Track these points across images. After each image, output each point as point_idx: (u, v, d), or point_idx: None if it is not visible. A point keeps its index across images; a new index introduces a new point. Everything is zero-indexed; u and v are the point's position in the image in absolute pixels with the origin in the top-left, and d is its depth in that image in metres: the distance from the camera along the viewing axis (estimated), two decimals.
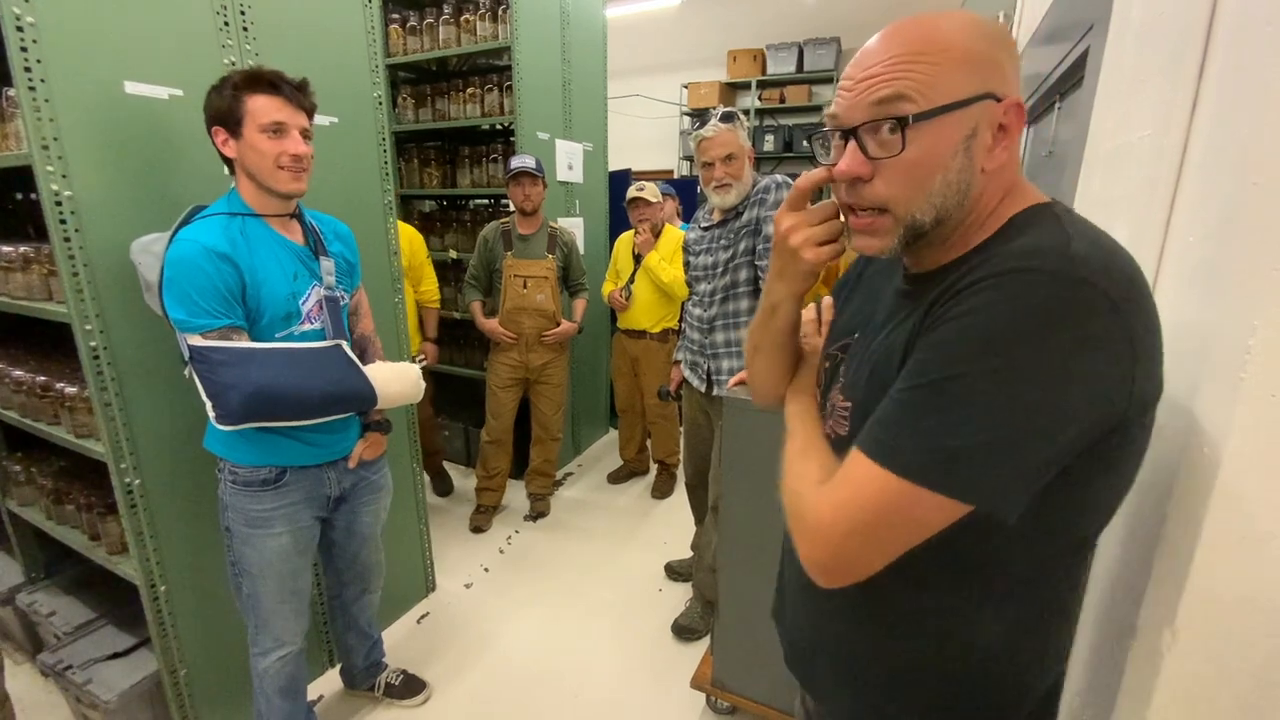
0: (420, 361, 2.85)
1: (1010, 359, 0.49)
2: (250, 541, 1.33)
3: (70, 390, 1.47)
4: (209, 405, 1.20)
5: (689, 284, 2.04)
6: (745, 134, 1.78)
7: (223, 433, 1.26)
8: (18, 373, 1.61)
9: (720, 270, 1.83)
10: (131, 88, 1.29)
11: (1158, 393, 0.55)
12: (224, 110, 1.19)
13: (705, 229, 1.92)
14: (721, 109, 1.77)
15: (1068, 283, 0.49)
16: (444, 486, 3.09)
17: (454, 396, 3.44)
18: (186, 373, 1.22)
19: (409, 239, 2.79)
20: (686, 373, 2.03)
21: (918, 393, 0.54)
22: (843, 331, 0.76)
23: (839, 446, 0.66)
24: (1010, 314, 0.50)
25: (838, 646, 0.74)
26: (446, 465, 3.20)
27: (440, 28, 2.91)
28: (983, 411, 0.50)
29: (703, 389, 1.93)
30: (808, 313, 0.87)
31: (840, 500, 0.57)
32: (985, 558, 0.60)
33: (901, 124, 0.55)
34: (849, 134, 0.60)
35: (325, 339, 1.33)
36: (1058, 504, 0.56)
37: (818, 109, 5.59)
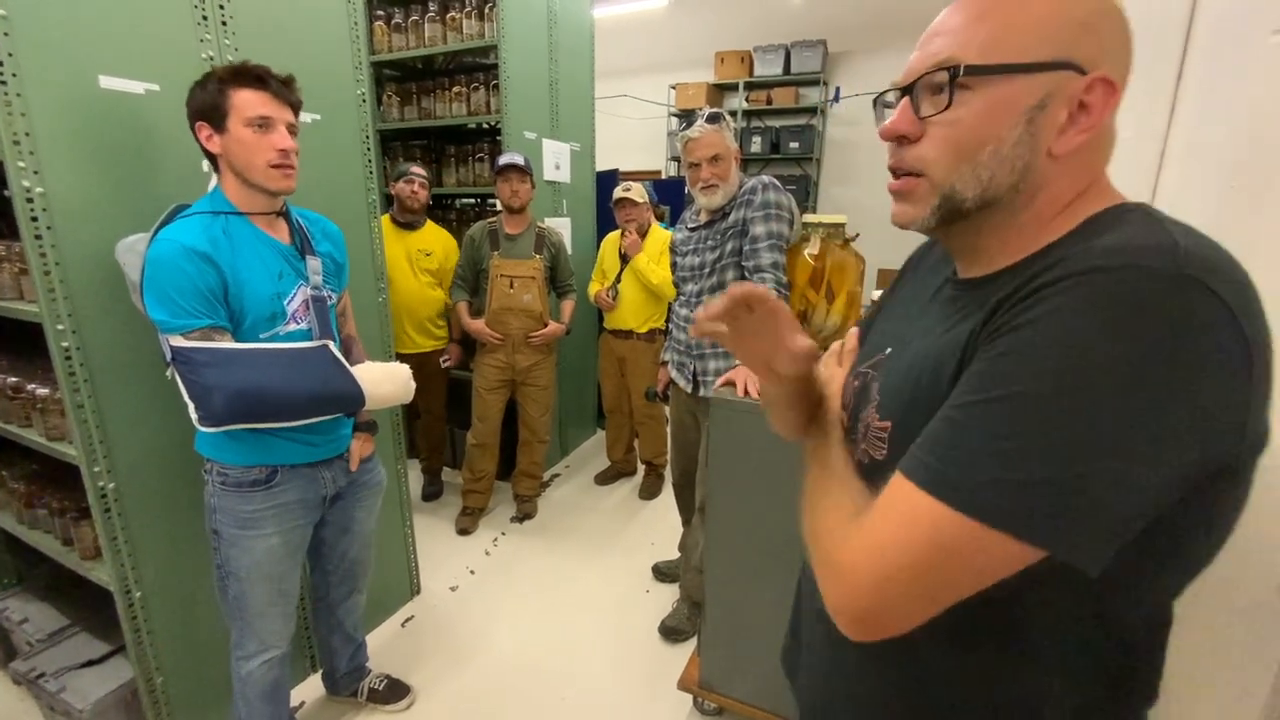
0: (445, 362, 2.84)
1: (1102, 374, 0.40)
2: (239, 543, 1.31)
3: (42, 392, 1.44)
4: (191, 407, 1.18)
5: (676, 284, 2.04)
6: (732, 135, 1.78)
7: (211, 434, 1.24)
8: None
9: (707, 271, 1.83)
10: (106, 82, 1.26)
11: (1268, 430, 0.45)
12: (208, 104, 1.16)
13: (692, 230, 1.92)
14: (708, 110, 1.77)
15: (1176, 283, 0.40)
16: (434, 489, 3.06)
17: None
18: (169, 374, 1.20)
19: (444, 243, 2.81)
20: (673, 373, 2.03)
21: (980, 410, 0.44)
22: (875, 348, 0.68)
23: (874, 473, 0.57)
24: (1102, 319, 0.41)
25: (860, 710, 0.64)
26: None
27: (426, 25, 2.88)
28: (1065, 437, 0.41)
29: (689, 389, 1.93)
30: (833, 347, 0.79)
31: (879, 538, 0.48)
32: (1049, 617, 0.50)
33: (953, 77, 0.49)
34: (907, 90, 0.54)
35: (312, 339, 1.31)
36: (1141, 556, 0.46)
37: (805, 111, 5.62)
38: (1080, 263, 0.43)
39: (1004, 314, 0.47)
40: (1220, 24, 0.71)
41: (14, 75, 1.13)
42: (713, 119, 1.74)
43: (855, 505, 0.53)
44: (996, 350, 0.45)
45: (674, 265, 2.03)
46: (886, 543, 0.47)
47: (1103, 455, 0.41)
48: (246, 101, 1.16)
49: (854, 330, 0.78)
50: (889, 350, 0.64)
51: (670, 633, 2.10)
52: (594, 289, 2.98)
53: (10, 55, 1.13)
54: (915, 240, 0.67)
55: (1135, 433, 0.40)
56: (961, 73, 0.49)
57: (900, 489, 0.48)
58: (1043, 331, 0.43)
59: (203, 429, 1.21)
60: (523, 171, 2.47)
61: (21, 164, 1.16)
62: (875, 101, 0.63)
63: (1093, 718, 0.53)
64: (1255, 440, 0.44)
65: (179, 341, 1.14)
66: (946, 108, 0.50)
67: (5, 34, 1.12)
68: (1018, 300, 0.46)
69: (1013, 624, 0.51)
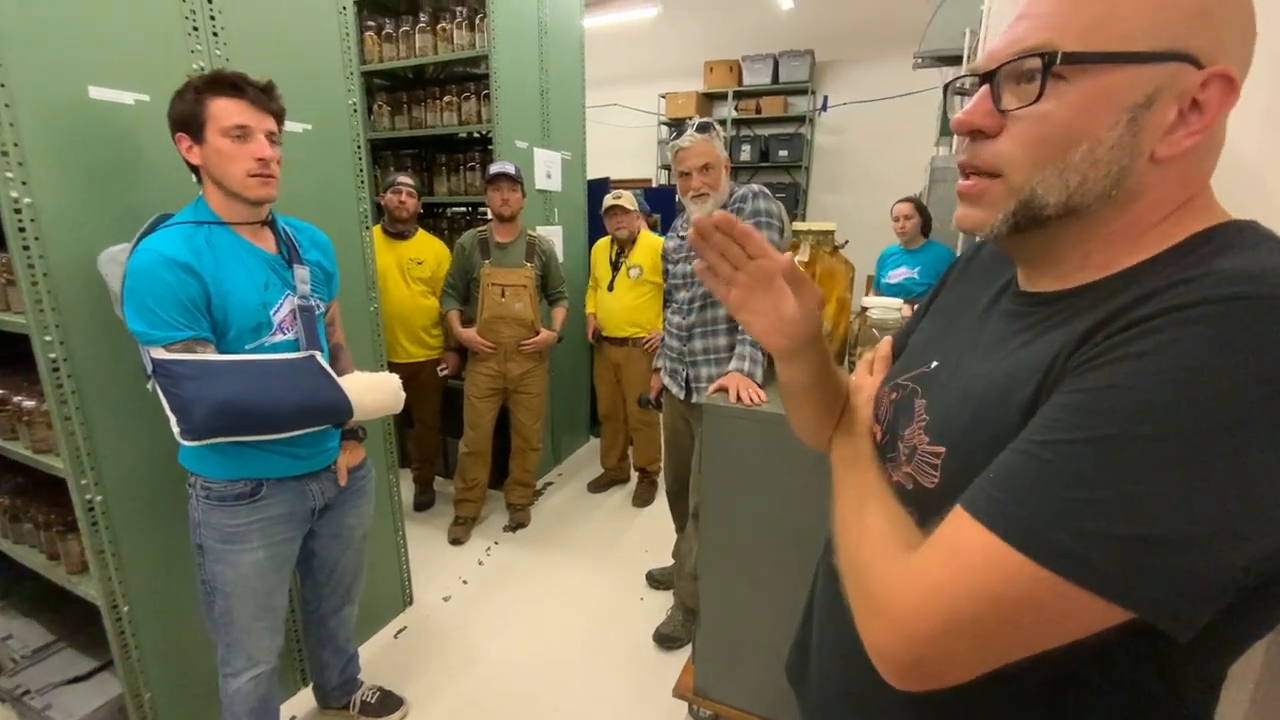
0: (442, 370, 2.84)
1: (1236, 421, 0.35)
2: (224, 558, 1.29)
3: (29, 404, 1.42)
4: (173, 420, 1.16)
5: (668, 292, 2.05)
6: (721, 144, 1.79)
7: (194, 448, 1.22)
8: None
9: (699, 278, 1.84)
10: (96, 92, 1.26)
11: None
12: (186, 115, 1.15)
13: (683, 237, 1.93)
14: (698, 120, 1.79)
15: None
16: (425, 499, 3.04)
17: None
18: (150, 386, 1.18)
19: (436, 252, 2.82)
20: (666, 380, 2.03)
21: (1072, 450, 0.39)
22: (917, 359, 0.61)
23: (924, 501, 0.52)
24: (1241, 359, 0.35)
25: None
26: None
27: (416, 36, 2.89)
28: (1172, 489, 0.36)
29: (682, 396, 1.94)
30: (865, 356, 0.75)
31: (935, 580, 0.43)
32: (1106, 677, 0.46)
33: (1047, 65, 0.43)
34: (987, 78, 0.47)
35: (299, 350, 1.30)
36: (1228, 621, 0.40)
37: (793, 119, 5.68)
38: (1208, 289, 0.38)
39: (1103, 340, 0.41)
40: None
41: (2, 85, 1.13)
42: (703, 128, 1.76)
43: (902, 537, 0.48)
44: (1095, 382, 0.40)
45: (666, 273, 2.05)
46: (947, 588, 0.42)
47: (1216, 514, 0.35)
48: (223, 110, 1.15)
49: (887, 339, 0.73)
50: (935, 364, 0.58)
51: (665, 640, 2.09)
52: (591, 300, 2.99)
53: None
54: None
55: (1258, 492, 0.35)
56: (1059, 60, 0.42)
57: (966, 528, 0.42)
58: (1158, 365, 0.37)
59: (184, 443, 1.19)
60: (513, 180, 2.48)
61: (10, 174, 1.15)
62: (946, 89, 0.56)
63: None
64: None
65: (160, 353, 1.13)
66: (1036, 100, 0.44)
67: None
68: (1124, 327, 0.40)
69: (1075, 682, 0.46)
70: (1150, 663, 0.44)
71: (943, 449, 0.52)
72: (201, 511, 1.28)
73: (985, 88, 0.48)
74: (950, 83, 0.55)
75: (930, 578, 0.43)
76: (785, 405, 0.71)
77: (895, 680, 0.45)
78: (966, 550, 0.42)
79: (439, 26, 2.85)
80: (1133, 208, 0.45)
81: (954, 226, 0.53)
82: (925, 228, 3.30)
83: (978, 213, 0.49)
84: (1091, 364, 0.41)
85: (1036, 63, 0.44)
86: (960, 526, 0.43)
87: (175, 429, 1.17)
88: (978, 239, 0.52)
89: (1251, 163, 0.72)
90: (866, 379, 0.69)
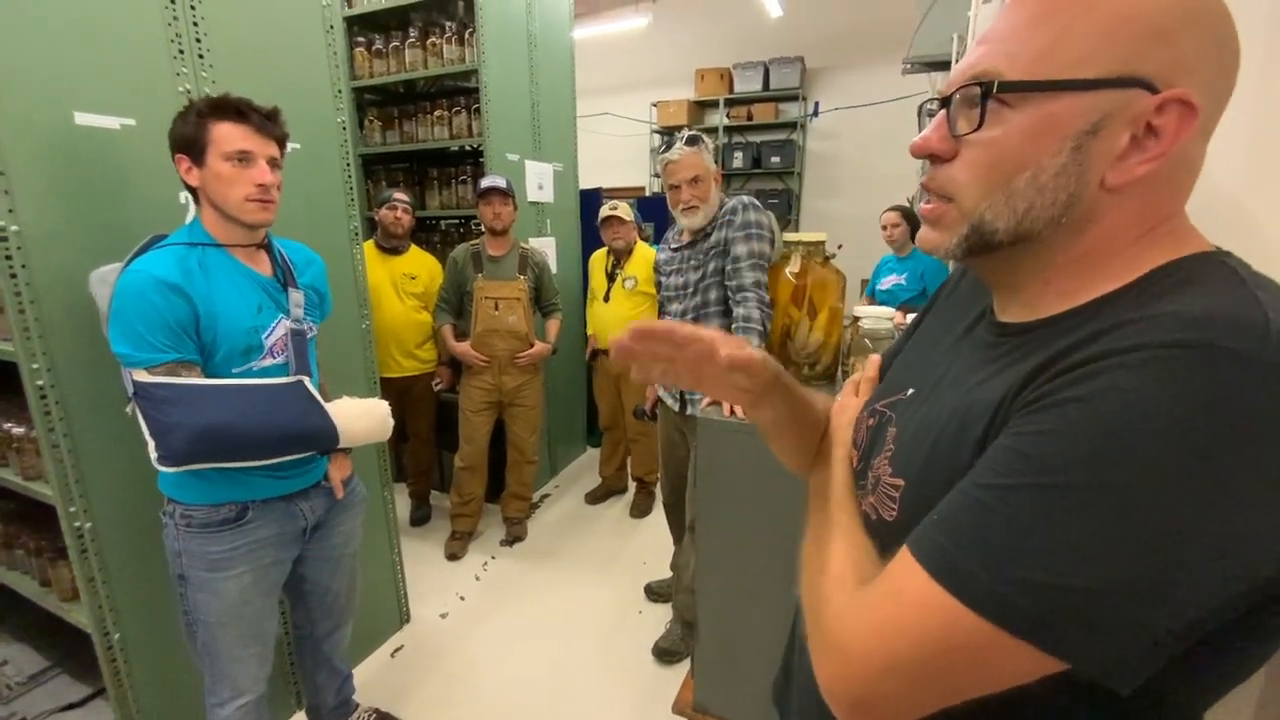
0: (436, 385, 2.83)
1: (1170, 474, 0.34)
2: (209, 587, 1.25)
3: (18, 431, 1.41)
4: (151, 445, 1.14)
5: (662, 304, 2.05)
6: (710, 156, 1.80)
7: (172, 473, 1.20)
8: None
9: (691, 290, 1.84)
10: (82, 118, 1.25)
11: None
12: (188, 137, 1.15)
13: (675, 250, 1.93)
14: (687, 133, 1.80)
15: (1265, 373, 0.34)
16: (421, 514, 3.03)
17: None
18: (129, 409, 1.16)
19: (429, 267, 2.83)
20: (661, 392, 2.03)
21: (1011, 496, 0.39)
22: (895, 385, 0.61)
23: (882, 533, 0.52)
24: (1175, 410, 0.35)
25: None
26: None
27: (406, 51, 2.90)
28: (1115, 541, 0.35)
29: (677, 408, 1.93)
30: (853, 376, 0.74)
31: (881, 621, 0.43)
32: None
33: (985, 94, 0.43)
34: (945, 103, 0.48)
35: (288, 374, 1.29)
36: (1179, 673, 0.40)
37: (785, 126, 5.70)
38: (1148, 334, 0.37)
39: (1047, 382, 0.40)
40: None
41: None
42: (691, 141, 1.77)
43: (859, 571, 0.48)
44: (1035, 426, 0.39)
45: (658, 285, 2.05)
46: (890, 630, 0.42)
47: (1151, 566, 0.35)
48: (226, 135, 1.15)
49: (875, 358, 0.72)
50: (910, 391, 0.58)
51: (664, 654, 2.08)
52: (593, 311, 2.99)
53: None
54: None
55: (1194, 546, 0.35)
56: (996, 89, 0.43)
57: (910, 572, 0.42)
58: (1096, 414, 0.37)
59: (162, 469, 1.17)
60: (505, 194, 2.48)
61: None
62: (920, 109, 0.57)
63: None
64: None
65: (142, 376, 1.11)
66: (978, 127, 0.45)
67: None
68: (1067, 369, 0.39)
69: None
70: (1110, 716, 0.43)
71: (902, 482, 0.51)
72: (181, 540, 1.24)
73: (942, 112, 0.48)
74: (922, 105, 0.55)
75: (874, 618, 0.43)
76: (766, 440, 0.71)
77: (842, 715, 0.45)
78: (909, 593, 0.42)
79: (429, 41, 2.86)
80: (1087, 235, 0.45)
81: (919, 247, 0.53)
82: (914, 235, 3.31)
83: (935, 234, 0.50)
84: (1032, 407, 0.40)
85: (979, 90, 0.44)
86: (904, 567, 0.43)
87: (153, 454, 1.14)
88: (938, 258, 0.52)
89: (1234, 193, 0.72)
90: (851, 400, 0.69)
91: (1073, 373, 0.39)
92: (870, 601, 0.44)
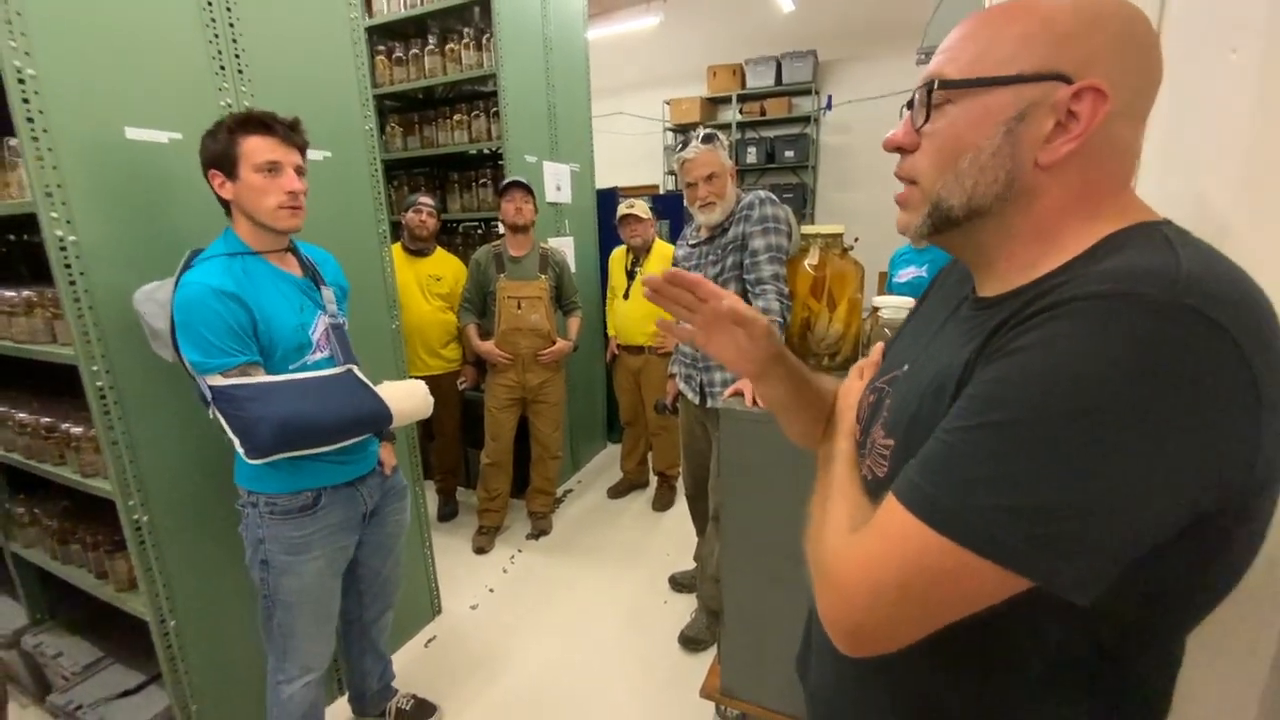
0: (461, 384, 2.91)
1: (1095, 405, 0.40)
2: (290, 569, 1.35)
3: (76, 430, 1.49)
4: (237, 442, 1.22)
5: None
6: (726, 153, 1.83)
7: (254, 467, 1.28)
8: (21, 415, 1.62)
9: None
10: (132, 133, 1.33)
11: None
12: (219, 153, 1.22)
13: (693, 246, 1.97)
14: (703, 130, 1.83)
15: (1176, 313, 0.39)
16: (449, 510, 3.10)
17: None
18: (210, 414, 1.24)
19: (454, 268, 2.90)
20: (681, 386, 2.07)
21: (970, 435, 0.44)
22: (893, 363, 0.68)
23: (877, 489, 0.57)
24: (1097, 349, 0.40)
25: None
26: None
27: (425, 58, 2.97)
28: (1054, 465, 0.41)
29: (697, 401, 1.97)
30: (859, 361, 0.81)
31: (869, 554, 0.49)
32: (1048, 648, 0.50)
33: (929, 92, 0.52)
34: (909, 103, 0.57)
35: (336, 366, 1.36)
36: (1136, 591, 0.46)
37: (798, 120, 5.69)
38: (1079, 288, 0.43)
39: (1001, 337, 0.47)
40: (1188, 30, 0.74)
41: (45, 131, 1.20)
42: (707, 139, 1.80)
43: (854, 520, 0.54)
44: (990, 375, 0.45)
45: None
46: (876, 560, 0.48)
47: (1088, 488, 0.40)
48: (255, 148, 1.22)
49: (879, 345, 0.79)
50: (906, 367, 0.63)
51: (690, 642, 2.12)
52: (614, 309, 3.04)
53: (41, 113, 1.19)
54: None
55: (1122, 467, 0.40)
56: (936, 87, 0.52)
57: (892, 509, 0.48)
58: (1035, 359, 0.43)
59: (250, 462, 1.25)
60: (526, 189, 2.54)
61: (54, 214, 1.22)
62: (901, 111, 0.65)
63: None
64: (1267, 477, 0.42)
65: (217, 381, 1.19)
66: (926, 120, 0.53)
67: (36, 92, 1.19)
68: (1015, 324, 0.46)
69: (1010, 650, 0.51)
70: (1086, 639, 0.49)
71: (892, 442, 0.58)
72: (266, 527, 1.33)
73: (908, 113, 0.57)
74: (901, 107, 0.63)
75: (864, 550, 0.49)
76: (777, 418, 0.80)
77: (843, 647, 0.51)
78: (890, 528, 0.48)
79: (447, 48, 2.92)
80: (1034, 209, 0.51)
81: (897, 229, 0.61)
82: None
83: (904, 216, 0.58)
84: (989, 359, 0.47)
85: (924, 91, 0.53)
86: (889, 507, 0.49)
87: (240, 450, 1.23)
88: (908, 237, 0.59)
89: (1228, 202, 0.73)
90: (856, 383, 0.75)
91: (1020, 326, 0.45)
92: (860, 539, 0.51)
